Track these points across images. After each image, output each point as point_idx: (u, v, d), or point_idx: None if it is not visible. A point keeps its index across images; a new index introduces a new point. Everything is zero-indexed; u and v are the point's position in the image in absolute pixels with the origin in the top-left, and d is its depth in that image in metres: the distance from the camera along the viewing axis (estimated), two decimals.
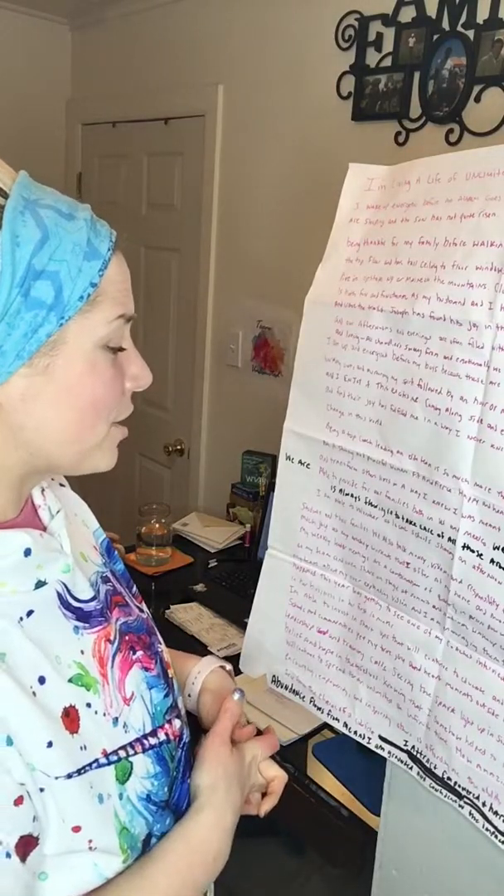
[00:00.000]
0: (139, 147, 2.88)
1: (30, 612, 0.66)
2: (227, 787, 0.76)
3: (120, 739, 0.70)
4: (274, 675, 1.14)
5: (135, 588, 0.88)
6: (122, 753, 0.69)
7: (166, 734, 0.76)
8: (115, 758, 0.68)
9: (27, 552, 0.67)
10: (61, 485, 0.86)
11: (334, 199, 1.01)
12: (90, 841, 0.64)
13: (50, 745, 0.62)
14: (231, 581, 2.13)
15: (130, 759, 0.70)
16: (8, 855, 0.57)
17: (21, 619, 0.65)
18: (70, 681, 0.67)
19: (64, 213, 0.62)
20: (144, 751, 0.72)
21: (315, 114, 2.12)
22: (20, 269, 0.58)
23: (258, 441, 2.44)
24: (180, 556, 2.27)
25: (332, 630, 1.06)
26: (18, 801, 0.59)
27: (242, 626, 1.66)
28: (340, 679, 1.05)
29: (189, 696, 0.91)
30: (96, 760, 0.66)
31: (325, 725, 1.51)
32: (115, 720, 0.70)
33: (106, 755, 0.68)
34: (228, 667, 0.97)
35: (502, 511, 0.81)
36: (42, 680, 0.64)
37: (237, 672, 1.21)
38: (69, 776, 0.63)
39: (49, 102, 3.12)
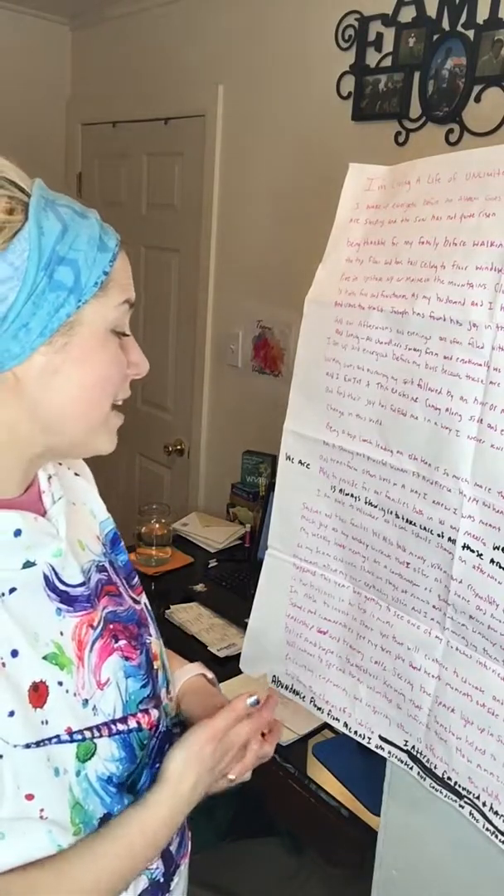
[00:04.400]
0: (139, 147, 2.88)
1: (12, 590, 0.70)
2: (194, 785, 0.77)
3: (88, 721, 0.73)
4: (274, 675, 1.14)
5: (136, 580, 0.91)
6: (87, 734, 0.72)
7: (138, 722, 0.78)
8: (79, 737, 0.71)
9: (17, 532, 0.71)
10: (76, 474, 0.91)
11: (334, 199, 1.01)
12: (42, 810, 0.67)
13: (11, 714, 0.65)
14: (231, 581, 2.13)
15: (95, 740, 0.73)
16: None
17: (3, 594, 0.69)
18: (45, 658, 0.70)
19: (78, 212, 0.70)
20: (110, 735, 0.75)
21: (315, 114, 2.12)
22: (45, 254, 0.65)
23: (258, 441, 2.44)
24: (180, 556, 2.27)
25: (332, 630, 1.06)
26: None
27: (242, 626, 1.66)
28: (340, 679, 1.05)
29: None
30: (57, 736, 0.69)
31: (325, 725, 1.51)
32: (86, 702, 0.73)
33: (70, 733, 0.71)
34: (210, 675, 1.00)
35: (502, 511, 0.81)
36: (14, 653, 0.68)
37: (237, 672, 1.21)
38: (27, 746, 0.66)
39: (49, 102, 3.12)
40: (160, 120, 2.72)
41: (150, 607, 0.92)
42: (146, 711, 0.79)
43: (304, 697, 1.11)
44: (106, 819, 0.73)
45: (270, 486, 2.17)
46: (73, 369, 0.70)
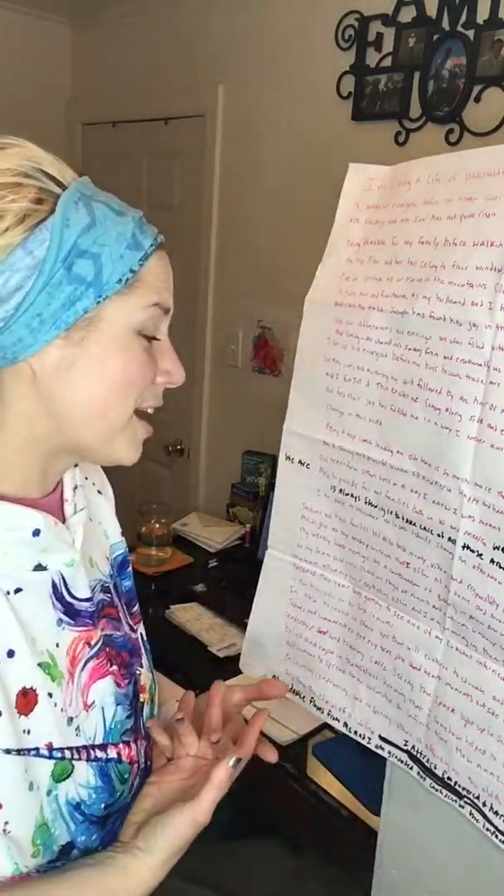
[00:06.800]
0: (139, 147, 2.88)
1: (18, 590, 0.68)
2: (168, 863, 0.71)
3: (70, 740, 0.70)
4: (274, 676, 1.14)
5: (136, 608, 0.88)
6: (67, 753, 0.69)
7: (118, 753, 0.74)
8: (58, 755, 0.68)
9: (36, 532, 0.69)
10: (99, 492, 0.88)
11: (334, 199, 1.01)
12: (6, 823, 0.63)
13: None
14: (231, 581, 2.13)
15: (73, 762, 0.69)
16: None
17: (8, 593, 0.67)
18: (39, 665, 0.68)
19: (115, 210, 0.69)
20: (88, 760, 0.71)
21: (315, 114, 2.12)
22: (66, 246, 0.64)
23: (258, 441, 2.44)
24: (180, 556, 2.27)
25: (332, 630, 1.06)
26: None
27: (242, 626, 1.66)
28: (340, 679, 1.05)
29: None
30: (37, 749, 0.66)
31: (325, 725, 1.51)
32: (71, 720, 0.70)
33: (49, 749, 0.67)
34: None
35: (502, 511, 0.81)
36: (10, 653, 0.65)
37: (237, 672, 1.21)
38: (7, 751, 0.63)
39: (49, 102, 3.12)
40: (160, 120, 2.72)
41: (146, 638, 0.89)
42: (127, 744, 0.76)
43: (304, 697, 1.11)
44: (68, 848, 0.69)
45: (270, 486, 2.16)
46: (91, 366, 0.68)
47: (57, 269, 0.63)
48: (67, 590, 0.73)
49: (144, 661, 0.86)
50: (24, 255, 0.62)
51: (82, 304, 0.65)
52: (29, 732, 0.66)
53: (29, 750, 0.65)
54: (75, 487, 0.79)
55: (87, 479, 0.86)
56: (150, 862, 0.69)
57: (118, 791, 0.74)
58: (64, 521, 0.76)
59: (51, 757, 0.67)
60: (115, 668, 0.77)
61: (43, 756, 0.67)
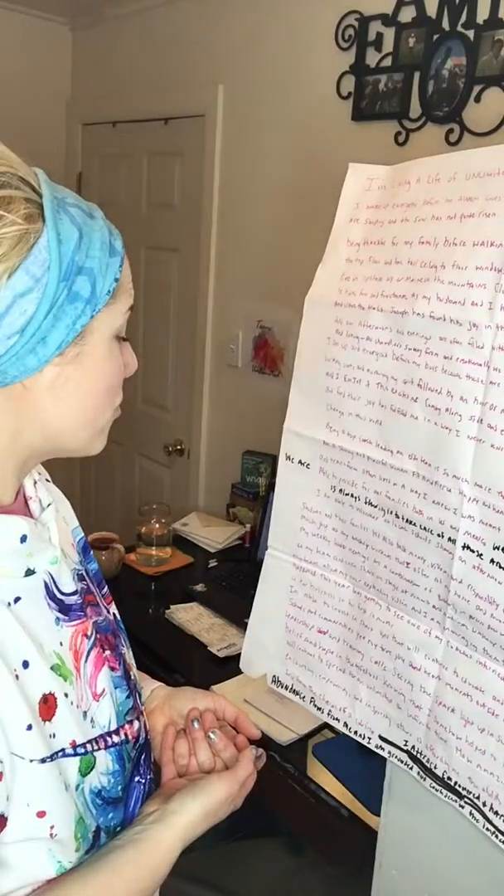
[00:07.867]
0: (139, 147, 2.88)
1: (17, 599, 0.68)
2: (201, 824, 0.77)
3: (88, 733, 0.71)
4: (274, 675, 1.14)
5: (105, 589, 0.89)
6: (89, 747, 0.70)
7: (126, 734, 0.76)
8: (82, 750, 0.69)
9: (23, 538, 0.69)
10: (47, 479, 0.87)
11: (334, 199, 1.01)
12: (52, 827, 0.64)
13: (29, 727, 0.64)
14: (231, 581, 2.13)
15: (94, 753, 0.71)
16: None
17: (9, 603, 0.67)
18: (52, 669, 0.68)
19: (86, 212, 0.66)
20: (107, 748, 0.73)
21: (315, 114, 2.12)
22: (65, 264, 0.62)
23: (258, 441, 2.45)
24: (180, 556, 2.27)
25: (332, 630, 1.06)
26: None
27: (242, 626, 1.66)
28: (340, 679, 1.05)
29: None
30: (63, 750, 0.67)
31: (325, 725, 1.51)
32: (85, 714, 0.72)
33: (74, 747, 0.69)
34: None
35: (502, 511, 0.81)
36: (26, 664, 0.66)
37: (237, 672, 1.21)
38: (43, 760, 0.64)
39: (49, 102, 3.12)
40: (160, 120, 2.72)
41: (118, 616, 0.89)
42: (130, 723, 0.78)
43: (304, 697, 1.11)
44: (97, 833, 0.71)
45: (270, 486, 2.17)
46: (83, 378, 0.68)
47: (61, 290, 0.62)
48: (57, 587, 0.74)
49: (123, 639, 0.87)
50: (26, 277, 0.60)
51: (81, 322, 0.64)
52: (54, 736, 0.67)
53: (57, 753, 0.67)
54: (35, 483, 0.79)
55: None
56: (183, 822, 0.74)
57: (127, 769, 0.76)
58: (34, 519, 0.75)
59: (76, 754, 0.69)
60: (108, 653, 0.78)
61: (69, 755, 0.68)
